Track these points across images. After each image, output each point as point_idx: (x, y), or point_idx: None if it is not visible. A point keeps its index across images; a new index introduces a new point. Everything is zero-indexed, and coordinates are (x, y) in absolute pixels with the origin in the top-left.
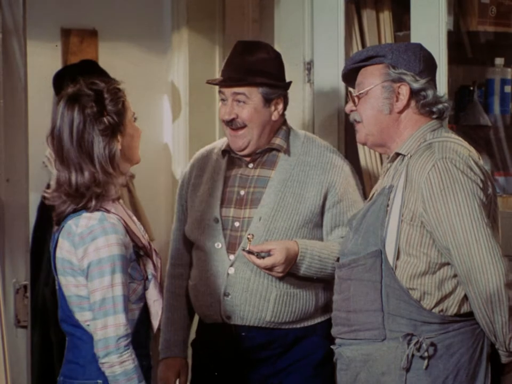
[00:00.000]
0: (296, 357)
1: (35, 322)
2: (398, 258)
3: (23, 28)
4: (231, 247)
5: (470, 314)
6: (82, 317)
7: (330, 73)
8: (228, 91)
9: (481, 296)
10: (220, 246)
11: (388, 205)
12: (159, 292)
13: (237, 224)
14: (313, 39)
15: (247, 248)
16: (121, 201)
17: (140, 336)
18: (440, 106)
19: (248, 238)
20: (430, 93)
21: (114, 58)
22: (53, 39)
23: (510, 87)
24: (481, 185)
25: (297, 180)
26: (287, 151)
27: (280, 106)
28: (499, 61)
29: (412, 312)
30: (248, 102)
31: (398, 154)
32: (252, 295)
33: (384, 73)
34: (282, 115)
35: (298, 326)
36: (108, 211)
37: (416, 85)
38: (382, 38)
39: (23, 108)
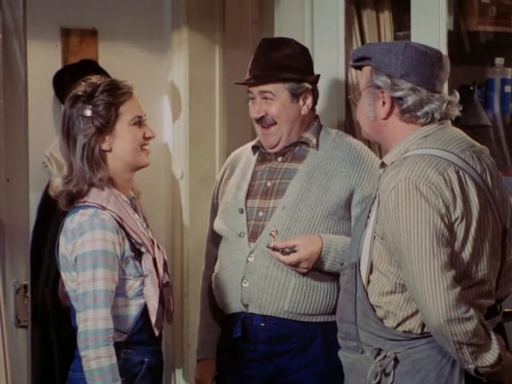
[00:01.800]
0: (315, 356)
1: (35, 322)
2: (371, 273)
3: (23, 27)
4: (252, 236)
5: None
6: None
7: (330, 72)
8: (255, 89)
9: (428, 327)
10: (243, 235)
11: (368, 217)
12: (157, 287)
13: (260, 213)
14: (313, 39)
15: (271, 245)
16: (123, 197)
17: (142, 333)
18: (426, 108)
19: (271, 234)
20: (410, 99)
21: (114, 58)
22: (53, 39)
23: (510, 87)
24: (442, 210)
25: (324, 172)
26: (316, 146)
27: (309, 100)
28: (499, 60)
29: (377, 329)
30: (276, 98)
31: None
32: (270, 283)
33: (369, 79)
34: (313, 110)
35: (317, 320)
36: (104, 208)
37: (394, 93)
38: (382, 38)
39: (23, 107)
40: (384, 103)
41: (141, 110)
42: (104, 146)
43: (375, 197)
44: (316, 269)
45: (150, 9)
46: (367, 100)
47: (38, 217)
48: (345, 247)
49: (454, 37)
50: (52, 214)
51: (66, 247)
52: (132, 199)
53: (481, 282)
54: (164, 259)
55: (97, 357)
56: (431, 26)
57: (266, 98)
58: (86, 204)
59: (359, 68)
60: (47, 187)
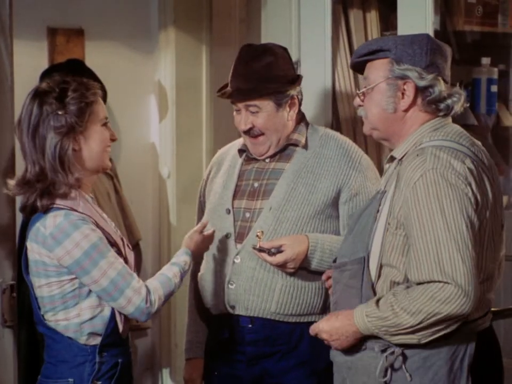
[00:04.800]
0: (303, 357)
1: (21, 321)
2: (382, 267)
3: (10, 27)
4: (239, 237)
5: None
6: (55, 316)
7: (317, 72)
8: (240, 103)
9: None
10: (230, 236)
11: (378, 211)
12: None
13: (247, 214)
14: (300, 39)
15: (257, 246)
16: (88, 197)
17: (115, 334)
18: (448, 101)
19: (257, 235)
20: (437, 89)
21: (101, 58)
22: (40, 39)
23: (497, 87)
24: (472, 199)
25: (311, 171)
26: (305, 146)
27: (295, 106)
28: (485, 60)
29: None
30: (261, 111)
31: (393, 157)
32: (256, 284)
33: (388, 70)
34: (299, 112)
35: (305, 320)
36: (75, 210)
37: (422, 82)
38: (369, 37)
39: (10, 107)
40: (403, 94)
41: (105, 111)
42: (75, 145)
43: (384, 191)
44: (303, 269)
45: (137, 9)
46: (387, 92)
47: (24, 218)
48: (332, 245)
49: (440, 37)
50: None
51: (46, 253)
52: (92, 198)
53: (490, 277)
54: (135, 259)
55: (155, 302)
56: (417, 25)
57: (251, 111)
58: (55, 206)
59: (360, 66)
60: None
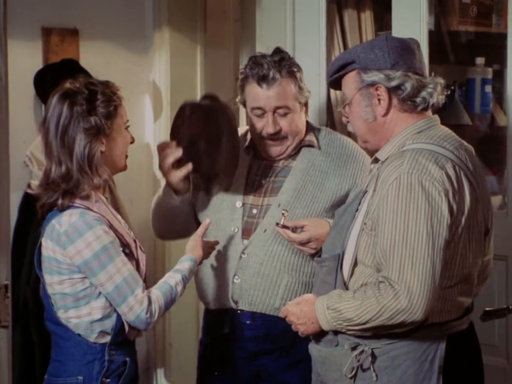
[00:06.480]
0: (301, 355)
1: (16, 322)
2: (356, 265)
3: (4, 26)
4: (245, 233)
5: (418, 328)
6: (66, 314)
7: (311, 72)
8: (270, 105)
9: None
10: (237, 230)
11: (357, 210)
12: None
13: (254, 211)
14: (295, 39)
15: (281, 223)
16: (104, 198)
17: (123, 333)
18: (423, 93)
19: (283, 214)
20: (408, 85)
21: (95, 58)
22: (34, 38)
23: (491, 87)
24: (443, 207)
25: (319, 169)
26: (318, 146)
27: (308, 106)
28: (480, 60)
29: None
30: (290, 112)
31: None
32: (262, 279)
33: (358, 81)
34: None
35: None
36: (90, 209)
37: (391, 83)
38: (364, 37)
39: (4, 106)
40: (379, 100)
41: (127, 114)
42: (102, 147)
43: (366, 191)
44: (309, 266)
45: (131, 9)
46: (362, 102)
47: (19, 217)
48: None
49: (435, 37)
50: (33, 214)
51: (60, 250)
52: (107, 198)
53: (464, 281)
54: (146, 261)
55: (154, 312)
56: (412, 26)
57: (280, 113)
58: (71, 204)
59: (337, 83)
60: (28, 186)
